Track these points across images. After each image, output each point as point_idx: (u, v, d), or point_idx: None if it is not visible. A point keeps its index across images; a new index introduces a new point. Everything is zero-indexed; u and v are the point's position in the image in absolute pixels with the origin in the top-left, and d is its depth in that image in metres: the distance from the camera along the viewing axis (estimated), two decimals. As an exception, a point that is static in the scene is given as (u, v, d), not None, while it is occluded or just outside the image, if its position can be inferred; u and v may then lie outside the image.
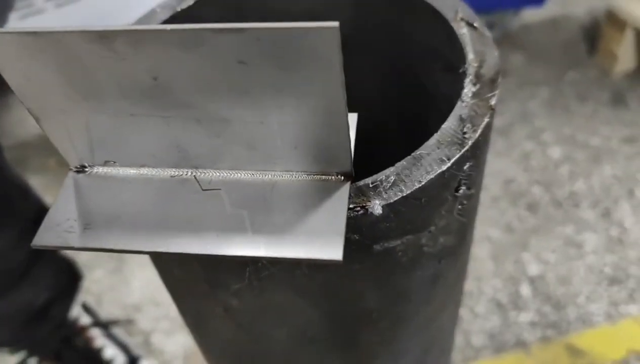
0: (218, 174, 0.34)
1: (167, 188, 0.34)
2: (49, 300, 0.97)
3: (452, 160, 0.34)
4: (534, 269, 1.24)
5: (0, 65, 0.28)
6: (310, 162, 0.32)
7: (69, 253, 1.08)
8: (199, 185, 0.34)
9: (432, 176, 0.33)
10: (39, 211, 0.96)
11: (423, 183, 0.32)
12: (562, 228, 1.30)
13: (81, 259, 1.28)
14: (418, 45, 0.48)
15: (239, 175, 0.34)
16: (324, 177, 0.33)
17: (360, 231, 0.33)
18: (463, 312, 1.17)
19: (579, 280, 1.21)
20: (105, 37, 0.26)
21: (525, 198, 1.38)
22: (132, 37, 0.26)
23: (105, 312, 1.24)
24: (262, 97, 0.28)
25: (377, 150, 0.58)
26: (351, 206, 0.32)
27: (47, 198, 1.45)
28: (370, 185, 0.33)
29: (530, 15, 1.83)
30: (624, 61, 1.64)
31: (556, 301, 1.18)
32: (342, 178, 0.33)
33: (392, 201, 0.32)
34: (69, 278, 1.04)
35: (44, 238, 0.32)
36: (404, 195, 0.32)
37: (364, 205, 0.32)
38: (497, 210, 1.36)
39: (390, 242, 0.34)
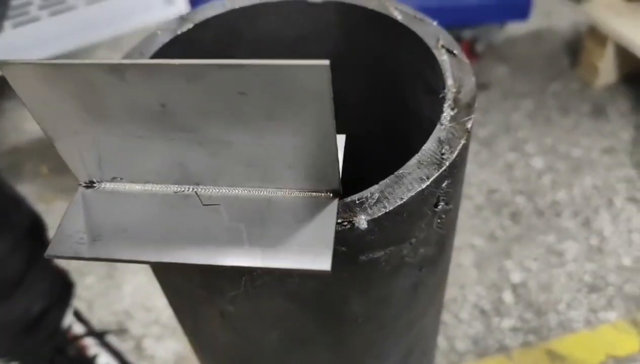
0: (218, 190, 0.37)
1: (171, 203, 0.37)
2: (43, 309, 0.99)
3: (431, 179, 0.37)
4: (516, 276, 1.28)
5: (21, 92, 0.31)
6: (302, 180, 0.35)
7: (62, 262, 1.10)
8: (200, 200, 0.37)
9: (412, 193, 0.36)
10: (32, 220, 0.98)
11: (404, 200, 0.36)
12: (544, 237, 1.35)
13: (73, 265, 1.29)
14: (403, 68, 0.51)
15: (237, 191, 0.37)
16: (314, 193, 0.36)
17: (347, 243, 0.36)
18: (447, 318, 1.20)
19: (559, 287, 1.25)
20: (118, 70, 0.29)
21: (509, 208, 1.42)
22: (142, 70, 0.29)
23: (97, 318, 1.26)
24: (260, 123, 0.32)
25: (366, 162, 0.62)
26: (339, 221, 0.35)
27: (39, 205, 1.47)
28: (357, 202, 0.36)
29: (514, 28, 1.88)
30: (605, 74, 1.69)
31: (537, 308, 1.22)
32: (331, 195, 0.36)
33: (376, 216, 0.35)
34: (62, 287, 1.05)
35: (57, 249, 0.35)
36: (387, 210, 0.35)
37: (351, 219, 0.35)
38: (481, 219, 1.40)
39: (375, 253, 0.37)
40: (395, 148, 0.61)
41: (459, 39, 1.74)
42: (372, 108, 0.60)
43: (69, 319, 1.06)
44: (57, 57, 1.55)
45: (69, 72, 0.30)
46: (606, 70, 1.68)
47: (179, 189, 0.37)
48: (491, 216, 1.40)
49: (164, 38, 0.50)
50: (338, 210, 0.35)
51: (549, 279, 1.26)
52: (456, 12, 1.63)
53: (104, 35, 1.66)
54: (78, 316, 1.12)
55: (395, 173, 0.37)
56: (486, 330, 1.18)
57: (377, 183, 0.37)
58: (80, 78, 0.30)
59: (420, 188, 0.36)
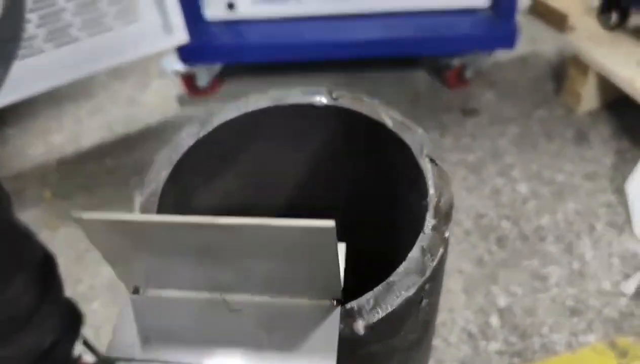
0: (241, 298, 0.45)
1: (203, 308, 0.45)
2: (54, 341, 1.03)
3: (417, 286, 0.45)
4: (502, 301, 1.36)
5: (93, 239, 0.40)
6: (310, 292, 0.44)
7: (68, 289, 1.15)
8: (227, 306, 0.45)
9: (401, 300, 0.44)
10: (44, 257, 1.02)
11: (394, 307, 0.44)
12: (529, 261, 1.43)
13: (79, 291, 1.36)
14: (393, 169, 0.59)
15: (257, 299, 0.45)
16: (321, 302, 0.44)
17: (347, 343, 0.44)
18: (437, 342, 1.29)
19: (543, 311, 1.34)
20: (171, 226, 0.38)
21: (495, 233, 1.50)
22: (190, 226, 0.38)
23: (103, 344, 1.33)
24: (277, 262, 0.40)
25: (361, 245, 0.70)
26: (341, 326, 0.43)
27: (44, 232, 1.52)
28: (355, 309, 0.44)
29: (501, 53, 1.96)
30: (588, 101, 1.77)
31: (522, 331, 1.30)
32: (335, 302, 0.44)
33: (371, 322, 0.43)
34: (72, 319, 1.10)
35: (114, 352, 0.43)
36: (381, 317, 0.44)
37: (351, 326, 0.43)
38: (469, 244, 1.48)
39: (371, 348, 0.46)
40: (387, 236, 0.69)
41: (449, 67, 1.83)
42: (366, 200, 0.68)
43: (78, 349, 1.11)
44: (59, 87, 1.61)
45: (130, 225, 0.38)
46: (588, 97, 1.76)
47: (210, 296, 0.46)
48: (479, 242, 1.49)
49: (188, 142, 0.58)
50: (341, 314, 0.44)
51: (533, 303, 1.35)
52: (445, 42, 1.71)
53: (106, 65, 1.71)
54: (86, 344, 1.16)
55: (387, 280, 0.46)
56: (474, 353, 1.27)
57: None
58: (138, 229, 0.39)
59: (407, 295, 0.45)
